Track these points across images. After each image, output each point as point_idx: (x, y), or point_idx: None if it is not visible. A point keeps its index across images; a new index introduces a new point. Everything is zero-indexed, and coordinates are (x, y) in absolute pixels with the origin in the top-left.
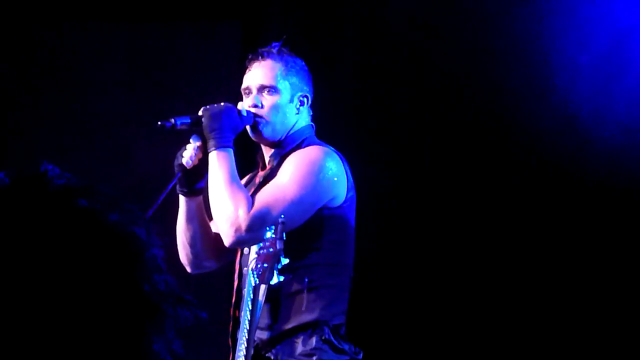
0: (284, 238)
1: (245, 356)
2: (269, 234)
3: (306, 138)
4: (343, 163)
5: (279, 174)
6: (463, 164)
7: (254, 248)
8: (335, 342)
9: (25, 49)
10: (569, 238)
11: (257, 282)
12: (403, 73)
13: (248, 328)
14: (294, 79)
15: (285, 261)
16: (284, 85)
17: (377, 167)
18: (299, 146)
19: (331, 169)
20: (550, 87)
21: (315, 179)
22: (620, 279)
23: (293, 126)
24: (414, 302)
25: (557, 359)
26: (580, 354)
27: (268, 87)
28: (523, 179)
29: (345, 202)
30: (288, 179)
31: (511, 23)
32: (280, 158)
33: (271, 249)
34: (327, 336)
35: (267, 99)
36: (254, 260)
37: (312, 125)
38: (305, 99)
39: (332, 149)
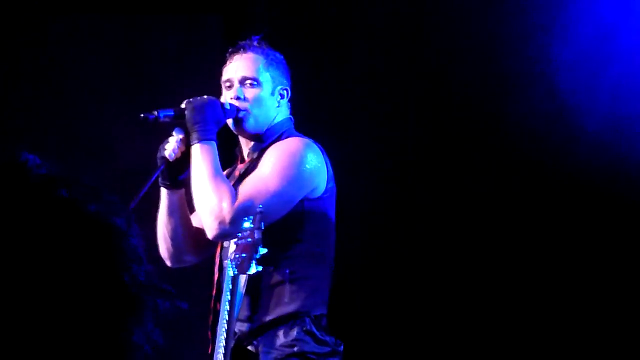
0: (263, 228)
1: (225, 348)
2: (247, 225)
3: (285, 131)
4: (323, 154)
5: (260, 166)
6: (448, 158)
7: (234, 240)
8: (318, 334)
9: (8, 42)
10: (556, 234)
11: (236, 272)
12: (386, 68)
13: (227, 319)
14: (275, 72)
15: (263, 251)
16: (266, 78)
17: (360, 161)
18: (278, 139)
19: (312, 160)
20: (535, 83)
21: (297, 170)
22: (607, 275)
23: (274, 119)
24: (397, 295)
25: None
26: (577, 354)
27: (250, 80)
28: (508, 174)
29: (325, 193)
30: (270, 171)
31: (495, 19)
32: (260, 151)
33: (249, 239)
34: (308, 327)
35: (250, 92)
36: (233, 251)
37: (291, 118)
38: (285, 92)
39: (312, 140)
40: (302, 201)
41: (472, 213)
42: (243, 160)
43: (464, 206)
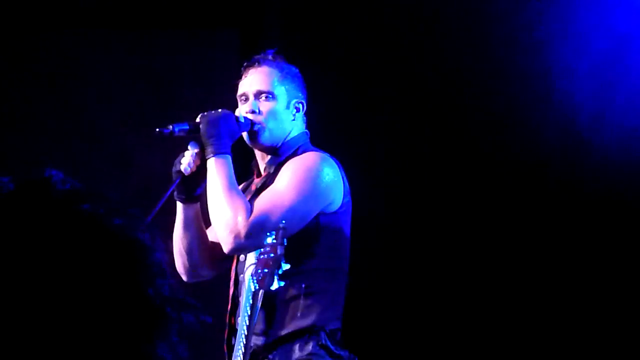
0: (285, 243)
1: (244, 354)
2: (269, 240)
3: (302, 145)
4: (339, 169)
5: (276, 180)
6: (461, 169)
7: (251, 254)
8: (332, 348)
9: (25, 57)
10: (568, 243)
11: (257, 287)
12: (401, 80)
13: (246, 334)
14: (290, 86)
15: (286, 266)
16: (281, 91)
17: (371, 173)
18: (295, 153)
19: (328, 175)
20: (549, 93)
21: (313, 185)
22: (618, 281)
23: (289, 133)
24: (409, 307)
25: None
26: (577, 354)
27: (265, 93)
28: (522, 185)
29: (341, 207)
30: (286, 185)
31: (510, 29)
32: (277, 165)
33: (272, 254)
34: (323, 341)
35: (265, 105)
36: (253, 266)
37: (306, 132)
38: (300, 106)
39: (328, 154)
40: (317, 215)
41: (489, 225)
42: (259, 174)
43: (480, 218)
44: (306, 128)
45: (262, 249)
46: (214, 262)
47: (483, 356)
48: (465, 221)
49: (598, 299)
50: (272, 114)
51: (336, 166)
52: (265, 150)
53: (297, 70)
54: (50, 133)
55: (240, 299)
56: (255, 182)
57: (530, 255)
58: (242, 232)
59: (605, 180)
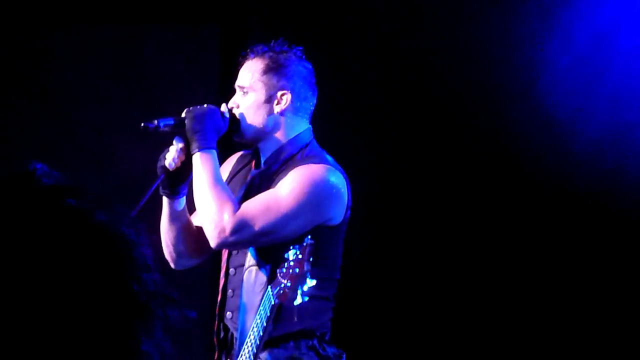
0: (312, 260)
1: None
2: (292, 255)
3: (308, 143)
4: (345, 180)
5: (279, 185)
6: (444, 165)
7: (249, 253)
8: (320, 350)
9: (6, 52)
10: (552, 239)
11: (277, 301)
12: (385, 75)
13: (258, 344)
14: (275, 77)
15: (312, 282)
16: (259, 85)
17: (363, 173)
18: (301, 151)
19: (332, 190)
20: (532, 88)
21: (314, 199)
22: (604, 278)
23: (274, 127)
24: (399, 304)
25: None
26: (576, 354)
27: (243, 88)
28: (506, 180)
29: (342, 221)
30: (287, 192)
31: (493, 25)
32: (281, 164)
33: (297, 270)
34: (312, 343)
35: (242, 100)
36: (274, 279)
37: (309, 128)
38: (286, 98)
39: (334, 163)
40: (318, 228)
41: (474, 222)
42: (258, 166)
43: (466, 215)
44: (310, 119)
45: (285, 264)
46: (201, 253)
47: (478, 353)
48: (452, 217)
49: (585, 294)
50: (249, 108)
51: (342, 179)
52: (249, 143)
53: (292, 60)
54: (33, 129)
55: (229, 291)
56: (252, 173)
57: (514, 249)
58: (228, 228)
59: (586, 175)
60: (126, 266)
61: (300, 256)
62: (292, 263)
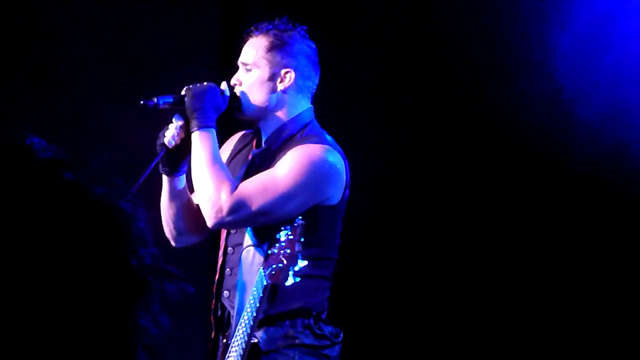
0: (303, 240)
1: (244, 349)
2: (283, 235)
3: (309, 123)
4: (343, 160)
5: (277, 164)
6: (443, 150)
7: (247, 233)
8: (316, 329)
9: (2, 26)
10: (554, 222)
11: (269, 282)
12: (385, 62)
13: (251, 324)
14: (279, 55)
15: (303, 263)
16: (263, 62)
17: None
18: (301, 130)
19: (330, 169)
20: (532, 70)
21: (312, 178)
22: (605, 265)
23: (276, 104)
24: (398, 284)
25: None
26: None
27: (247, 65)
28: (506, 163)
29: (340, 201)
30: (285, 172)
31: (492, 7)
32: (281, 143)
33: (288, 250)
34: (309, 322)
35: (245, 77)
36: (266, 259)
37: (311, 107)
38: (289, 76)
39: (333, 143)
40: (315, 208)
41: (473, 204)
42: (259, 145)
43: (464, 199)
44: (311, 99)
45: (276, 244)
46: (201, 230)
47: (468, 336)
48: (450, 202)
49: (595, 291)
50: (252, 85)
51: (340, 158)
52: (251, 120)
53: (296, 38)
54: (30, 104)
55: (227, 270)
56: (253, 152)
57: (515, 235)
58: (225, 207)
59: (591, 158)
60: (124, 240)
61: (291, 237)
62: (283, 244)
